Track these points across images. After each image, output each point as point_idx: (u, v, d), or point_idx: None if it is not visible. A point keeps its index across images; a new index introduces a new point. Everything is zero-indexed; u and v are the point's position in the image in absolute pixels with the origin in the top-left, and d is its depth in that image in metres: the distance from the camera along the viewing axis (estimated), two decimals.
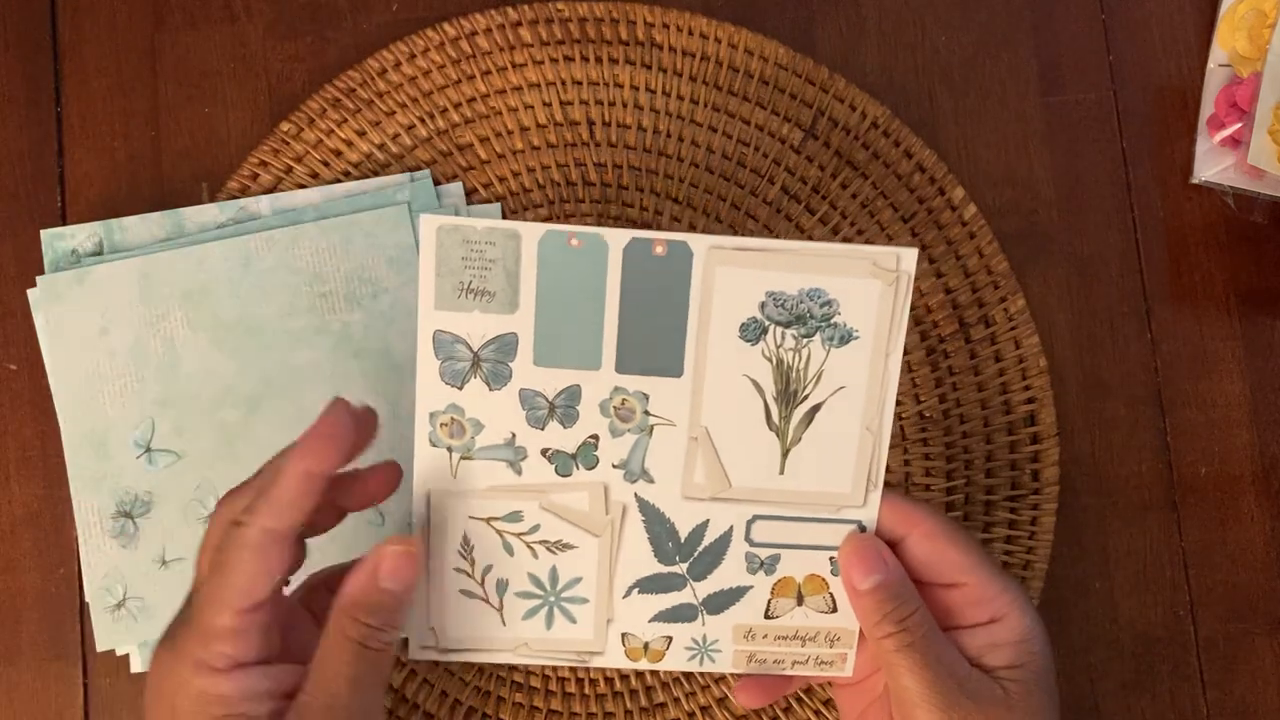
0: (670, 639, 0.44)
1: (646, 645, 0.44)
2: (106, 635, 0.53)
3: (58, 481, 0.55)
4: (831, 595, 0.42)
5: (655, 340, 0.40)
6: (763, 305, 0.39)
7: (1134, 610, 0.53)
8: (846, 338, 0.40)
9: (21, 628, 0.54)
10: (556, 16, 0.56)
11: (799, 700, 0.52)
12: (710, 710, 0.52)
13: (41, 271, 0.55)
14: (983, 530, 0.53)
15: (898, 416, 0.54)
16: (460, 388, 0.40)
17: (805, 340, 0.40)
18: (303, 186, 0.56)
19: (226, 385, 0.53)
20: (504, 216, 0.55)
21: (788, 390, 0.40)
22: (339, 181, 0.56)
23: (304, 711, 0.38)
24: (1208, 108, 0.55)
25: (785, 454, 0.41)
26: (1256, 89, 0.53)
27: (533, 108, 0.56)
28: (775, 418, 0.41)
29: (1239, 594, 0.54)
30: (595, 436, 0.41)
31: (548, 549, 0.42)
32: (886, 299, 0.39)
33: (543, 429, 0.41)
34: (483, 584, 0.43)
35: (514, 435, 0.41)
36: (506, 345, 0.40)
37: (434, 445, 0.41)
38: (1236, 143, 0.54)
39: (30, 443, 0.55)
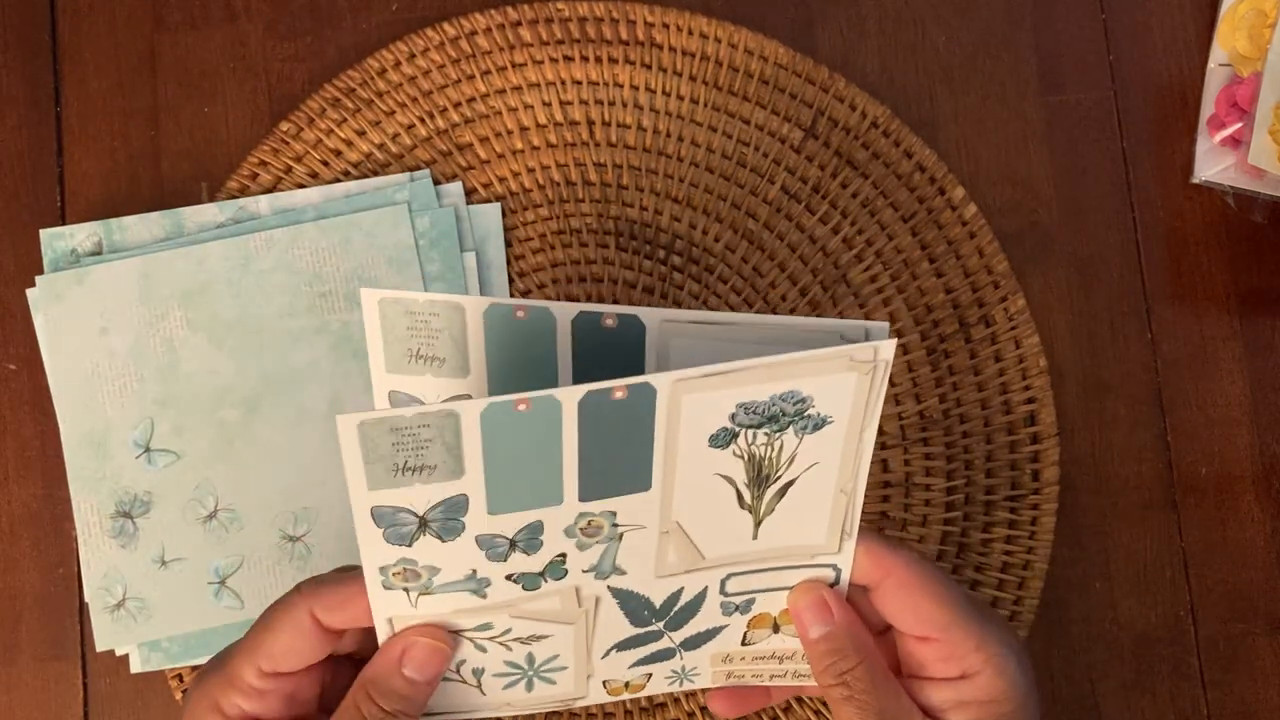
0: (650, 675, 0.43)
1: (627, 683, 0.43)
2: (106, 635, 0.53)
3: (57, 481, 0.55)
4: None
5: (619, 466, 0.36)
6: (733, 416, 0.36)
7: (1134, 610, 0.53)
8: (820, 424, 0.36)
9: (21, 628, 0.54)
10: (556, 16, 0.56)
11: (799, 700, 0.52)
12: (710, 710, 0.52)
13: (41, 271, 0.55)
14: (982, 530, 0.53)
15: (898, 416, 0.54)
16: (409, 545, 0.36)
17: (778, 434, 0.36)
18: (302, 186, 0.56)
19: (226, 385, 0.53)
20: (504, 216, 0.55)
21: (759, 476, 0.37)
22: (339, 181, 0.55)
23: None
24: (1208, 107, 0.55)
25: (758, 524, 0.39)
26: (1257, 89, 0.53)
27: (533, 108, 0.56)
28: (748, 499, 0.38)
29: (1239, 594, 0.53)
30: (563, 554, 0.38)
31: (521, 643, 0.40)
32: (862, 386, 0.36)
33: (504, 561, 0.37)
34: (459, 671, 0.41)
35: (474, 570, 0.37)
36: (456, 505, 0.35)
37: (388, 589, 0.37)
38: (1237, 142, 0.54)
39: (30, 443, 0.55)
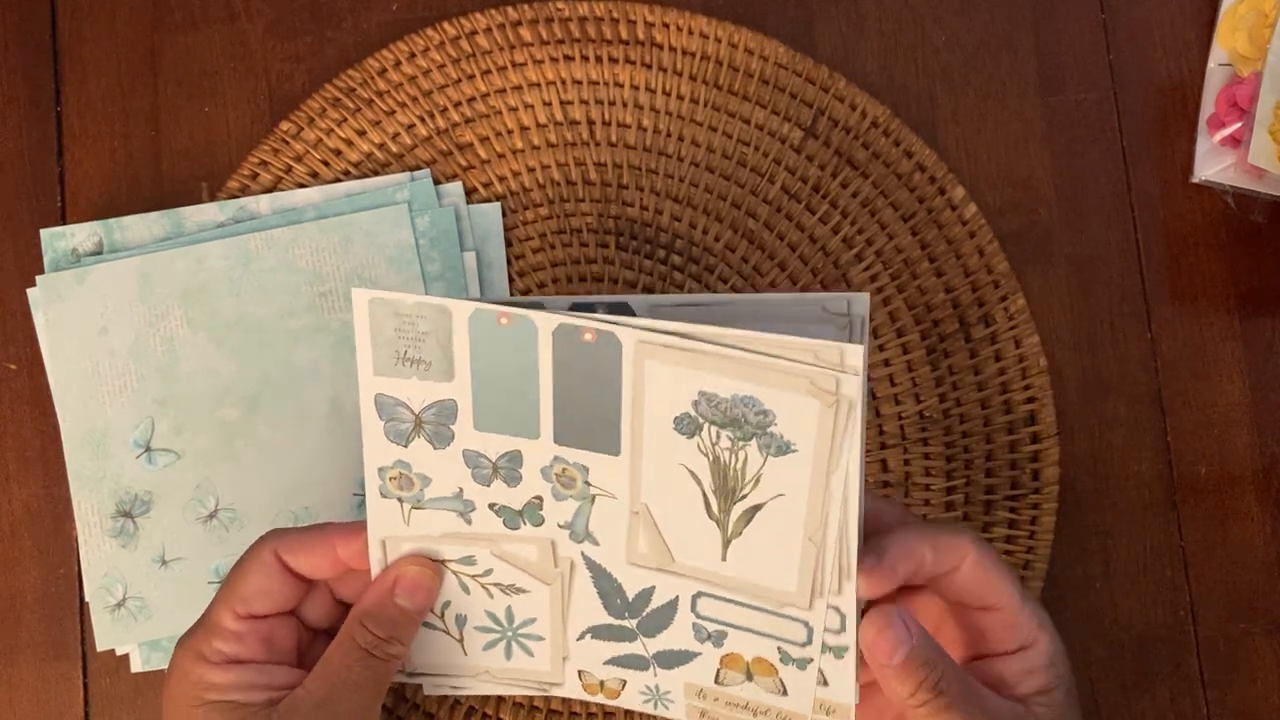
0: (625, 682, 0.43)
1: (602, 683, 0.44)
2: (106, 635, 0.53)
3: (58, 481, 0.55)
4: (781, 680, 0.41)
5: (591, 419, 0.38)
6: (696, 403, 0.37)
7: (1134, 610, 0.53)
8: (784, 449, 0.37)
9: (21, 628, 0.54)
10: (556, 16, 0.56)
11: None
12: None
13: (41, 271, 0.55)
14: (983, 530, 0.53)
15: (898, 416, 0.54)
16: (405, 446, 0.40)
17: (741, 443, 0.37)
18: (303, 186, 0.56)
19: (226, 385, 0.53)
20: (504, 216, 0.55)
21: (725, 486, 0.38)
22: (339, 181, 0.56)
23: (297, 704, 0.40)
24: (1208, 107, 0.55)
25: (727, 544, 0.39)
26: (1257, 88, 0.53)
27: (533, 107, 0.56)
28: (715, 509, 0.39)
29: (1239, 594, 0.53)
30: (539, 498, 0.40)
31: (502, 590, 0.42)
32: (826, 419, 0.36)
33: (488, 486, 0.40)
34: (442, 617, 0.43)
35: (461, 489, 0.40)
36: (446, 410, 0.39)
37: (384, 497, 0.41)
38: (1237, 142, 0.54)
39: (30, 443, 0.55)
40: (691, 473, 0.38)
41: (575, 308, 0.38)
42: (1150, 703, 0.53)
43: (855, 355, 0.35)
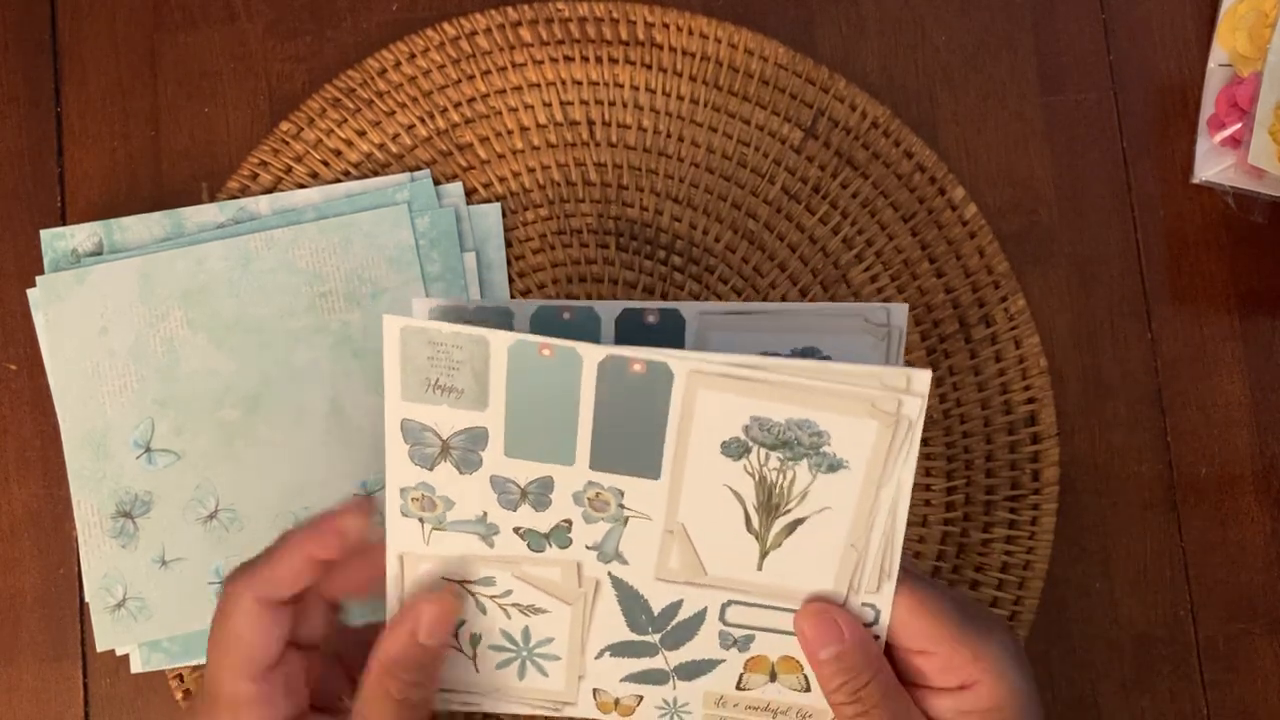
0: (641, 698, 0.43)
1: (617, 700, 0.43)
2: (106, 635, 0.53)
3: (58, 481, 0.55)
4: (805, 676, 0.41)
5: (631, 445, 0.37)
6: (747, 428, 0.36)
7: (1134, 610, 0.53)
8: (835, 466, 0.37)
9: (21, 628, 0.54)
10: (556, 16, 0.56)
11: None
12: None
13: (41, 271, 0.55)
14: (983, 530, 0.53)
15: None
16: (430, 469, 0.38)
17: (791, 463, 0.37)
18: (303, 186, 0.56)
19: (226, 385, 0.53)
20: (504, 216, 0.55)
21: (769, 503, 0.38)
22: (339, 181, 0.56)
23: None
24: (1208, 107, 0.55)
25: (764, 555, 0.39)
26: (1257, 88, 0.53)
27: (533, 108, 0.56)
28: (755, 525, 0.38)
29: (1239, 594, 0.53)
30: (568, 521, 0.39)
31: (520, 611, 0.41)
32: (884, 437, 0.36)
33: (515, 510, 0.39)
34: (456, 636, 0.42)
35: (485, 513, 0.39)
36: (476, 436, 0.38)
37: (405, 516, 0.40)
38: (1237, 142, 0.54)
39: (30, 443, 0.55)
40: (735, 492, 0.38)
41: (627, 312, 0.37)
42: (1150, 703, 0.53)
43: (922, 381, 0.35)
